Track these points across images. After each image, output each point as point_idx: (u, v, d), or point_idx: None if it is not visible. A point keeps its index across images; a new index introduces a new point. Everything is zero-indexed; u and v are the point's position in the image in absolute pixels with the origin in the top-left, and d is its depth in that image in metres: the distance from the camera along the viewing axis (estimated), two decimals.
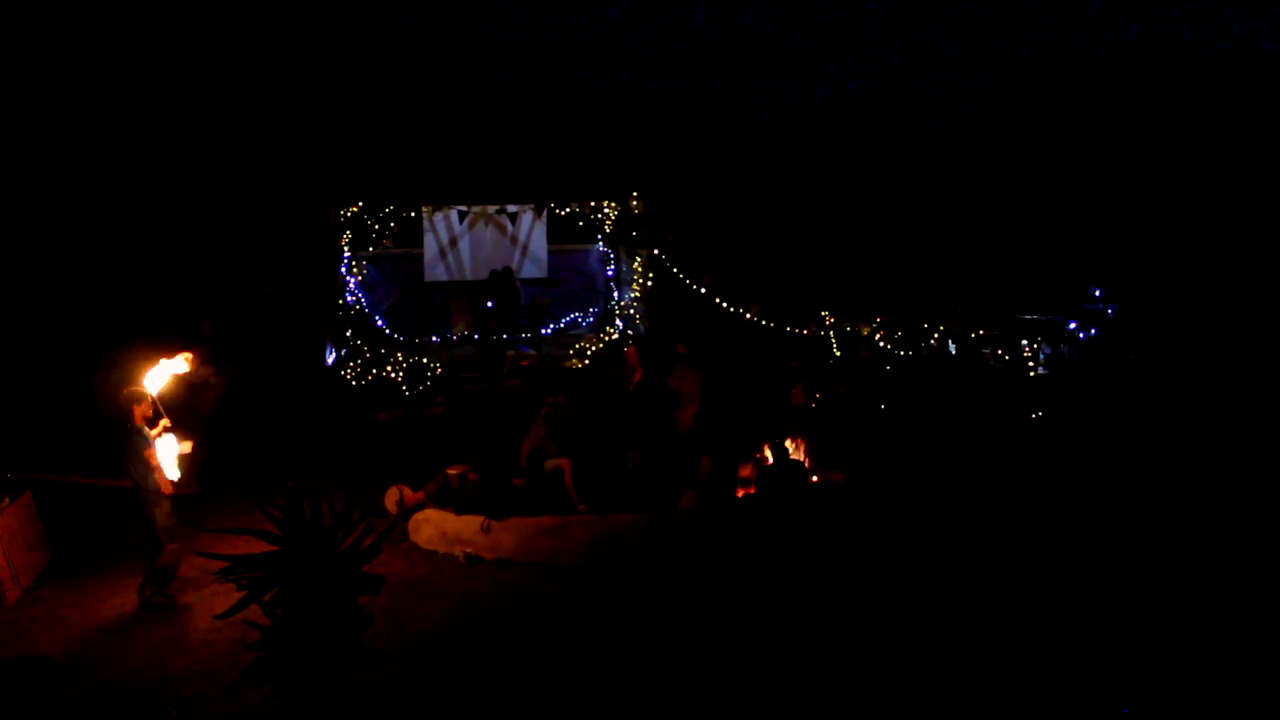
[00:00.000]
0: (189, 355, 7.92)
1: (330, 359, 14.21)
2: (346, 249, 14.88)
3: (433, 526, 8.96)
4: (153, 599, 7.50)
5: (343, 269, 14.74)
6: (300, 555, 6.37)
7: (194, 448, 7.72)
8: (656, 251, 15.65)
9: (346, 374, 14.06)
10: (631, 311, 16.18)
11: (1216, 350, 12.91)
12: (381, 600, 7.36)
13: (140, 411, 7.44)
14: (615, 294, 16.91)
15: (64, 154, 14.35)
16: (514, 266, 16.75)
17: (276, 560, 6.60)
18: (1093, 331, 13.17)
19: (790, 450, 9.93)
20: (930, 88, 20.67)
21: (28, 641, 6.96)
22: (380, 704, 5.97)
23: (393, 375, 14.09)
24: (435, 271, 16.81)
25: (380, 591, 7.38)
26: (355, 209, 14.86)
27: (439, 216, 16.54)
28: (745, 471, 9.67)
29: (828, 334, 14.78)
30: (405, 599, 7.61)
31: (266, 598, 6.11)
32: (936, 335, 13.58)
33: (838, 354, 14.42)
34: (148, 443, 7.41)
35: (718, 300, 15.20)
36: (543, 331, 16.30)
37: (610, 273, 17.16)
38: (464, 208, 16.36)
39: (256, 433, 12.31)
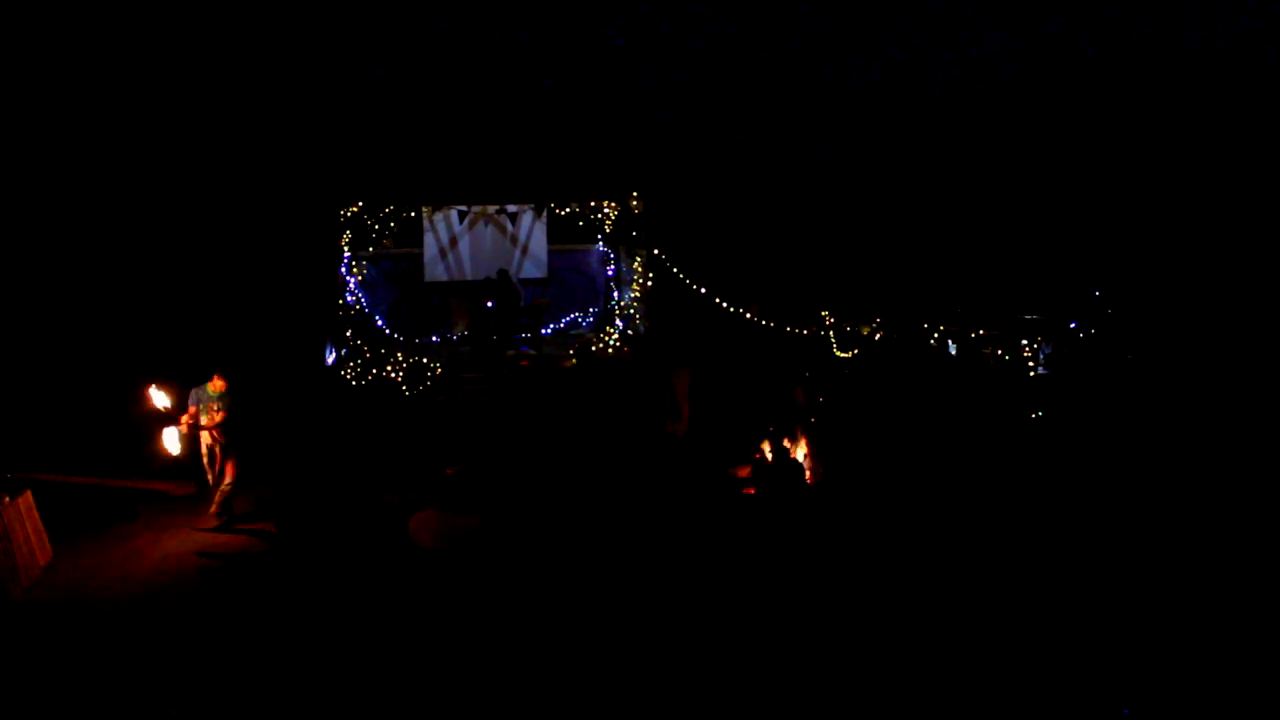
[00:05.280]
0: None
1: (330, 359, 14.21)
2: (346, 249, 14.87)
3: (433, 526, 8.95)
4: (220, 516, 9.41)
5: (343, 269, 14.73)
6: (300, 556, 6.38)
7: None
8: (656, 251, 15.65)
9: (346, 374, 14.06)
10: (631, 311, 16.18)
11: (1215, 350, 12.91)
12: (381, 601, 7.39)
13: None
14: (615, 294, 16.91)
15: (57, 152, 14.34)
16: (514, 266, 16.75)
17: (276, 561, 6.62)
18: (1093, 331, 13.17)
19: (789, 450, 9.94)
20: (930, 87, 20.66)
21: (29, 641, 6.95)
22: (380, 703, 5.97)
23: (393, 375, 14.10)
24: (435, 271, 16.81)
25: (380, 592, 7.41)
26: (355, 209, 14.84)
27: (439, 216, 16.53)
28: (744, 472, 9.68)
29: (828, 334, 14.78)
30: (405, 599, 7.61)
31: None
32: (936, 335, 13.59)
33: (839, 354, 14.42)
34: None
35: (718, 300, 15.20)
36: (543, 331, 16.28)
37: (610, 273, 17.16)
38: (464, 208, 16.36)
39: (257, 432, 12.32)
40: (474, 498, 9.00)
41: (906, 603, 7.24)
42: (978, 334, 13.16)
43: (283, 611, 7.00)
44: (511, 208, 16.68)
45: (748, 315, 15.00)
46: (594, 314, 17.62)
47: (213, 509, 9.57)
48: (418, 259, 16.81)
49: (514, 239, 17.01)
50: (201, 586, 7.66)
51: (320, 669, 6.31)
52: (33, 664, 6.57)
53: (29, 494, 8.63)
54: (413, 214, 16.09)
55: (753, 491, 9.36)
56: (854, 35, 19.78)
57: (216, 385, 9.71)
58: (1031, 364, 12.49)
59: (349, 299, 14.90)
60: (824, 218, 17.98)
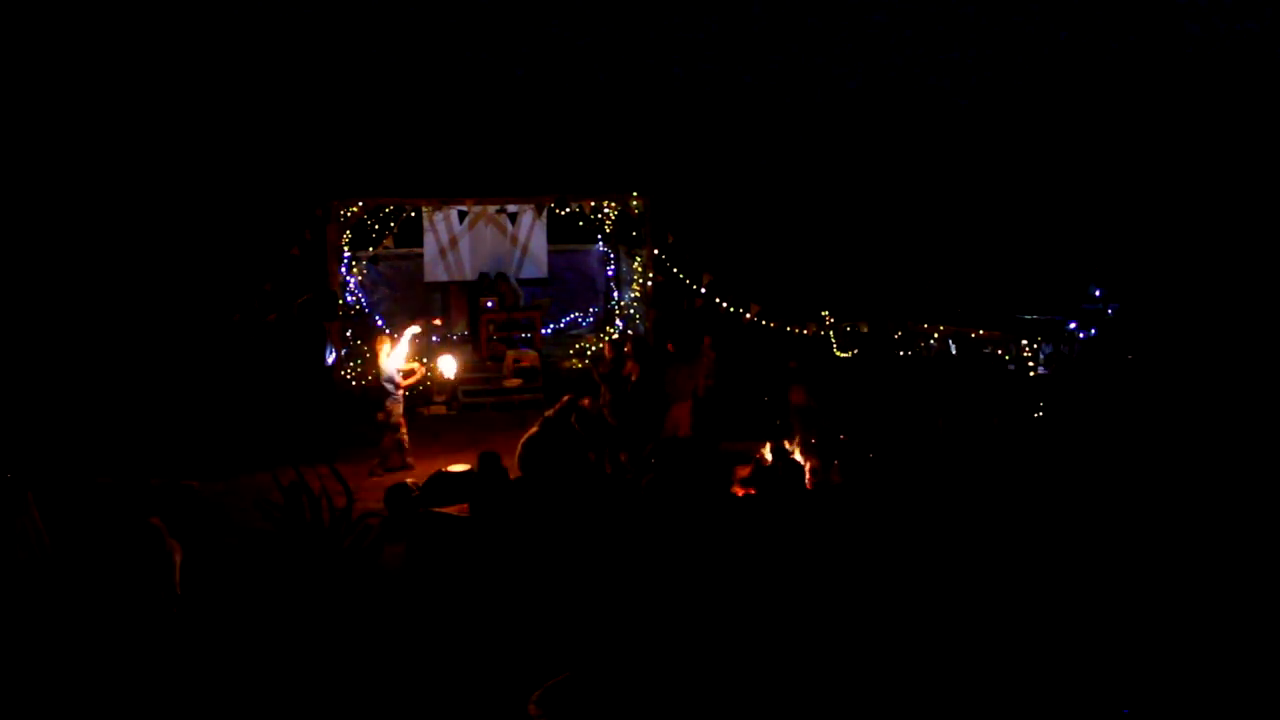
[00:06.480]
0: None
1: (330, 359, 14.21)
2: (346, 249, 14.87)
3: None
4: (378, 469, 10.78)
5: (343, 269, 14.73)
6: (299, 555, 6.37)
7: None
8: (657, 251, 15.66)
9: (346, 374, 14.06)
10: (631, 311, 16.17)
11: (1216, 350, 12.91)
12: (382, 600, 7.38)
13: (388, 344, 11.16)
14: (615, 294, 16.90)
15: (52, 149, 14.35)
16: (514, 266, 16.73)
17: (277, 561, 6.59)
18: (1093, 331, 13.17)
19: (790, 451, 9.93)
20: (931, 86, 20.66)
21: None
22: (380, 702, 5.97)
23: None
24: (435, 271, 16.80)
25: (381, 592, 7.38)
26: (356, 209, 14.85)
27: (439, 216, 16.53)
28: (745, 471, 9.66)
29: (828, 334, 14.78)
30: (403, 598, 7.61)
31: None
32: (936, 335, 13.59)
33: (839, 354, 14.42)
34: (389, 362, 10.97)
35: (718, 300, 15.19)
36: (543, 331, 16.28)
37: (610, 273, 17.15)
38: (464, 208, 16.36)
39: (256, 429, 12.33)
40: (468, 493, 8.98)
41: (907, 604, 7.23)
42: (977, 334, 13.16)
43: (283, 611, 6.99)
44: (511, 208, 16.67)
45: (748, 315, 14.99)
46: (594, 314, 17.62)
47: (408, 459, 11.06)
48: (418, 259, 16.81)
49: (514, 239, 17.00)
50: (201, 586, 7.66)
51: (321, 668, 6.32)
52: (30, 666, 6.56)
53: (29, 494, 8.63)
54: (413, 214, 16.10)
55: (752, 492, 9.34)
56: (856, 31, 19.79)
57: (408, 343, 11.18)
58: (1031, 364, 12.49)
59: (349, 299, 14.90)
60: (825, 218, 17.99)
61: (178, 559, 6.88)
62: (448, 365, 12.94)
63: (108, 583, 6.77)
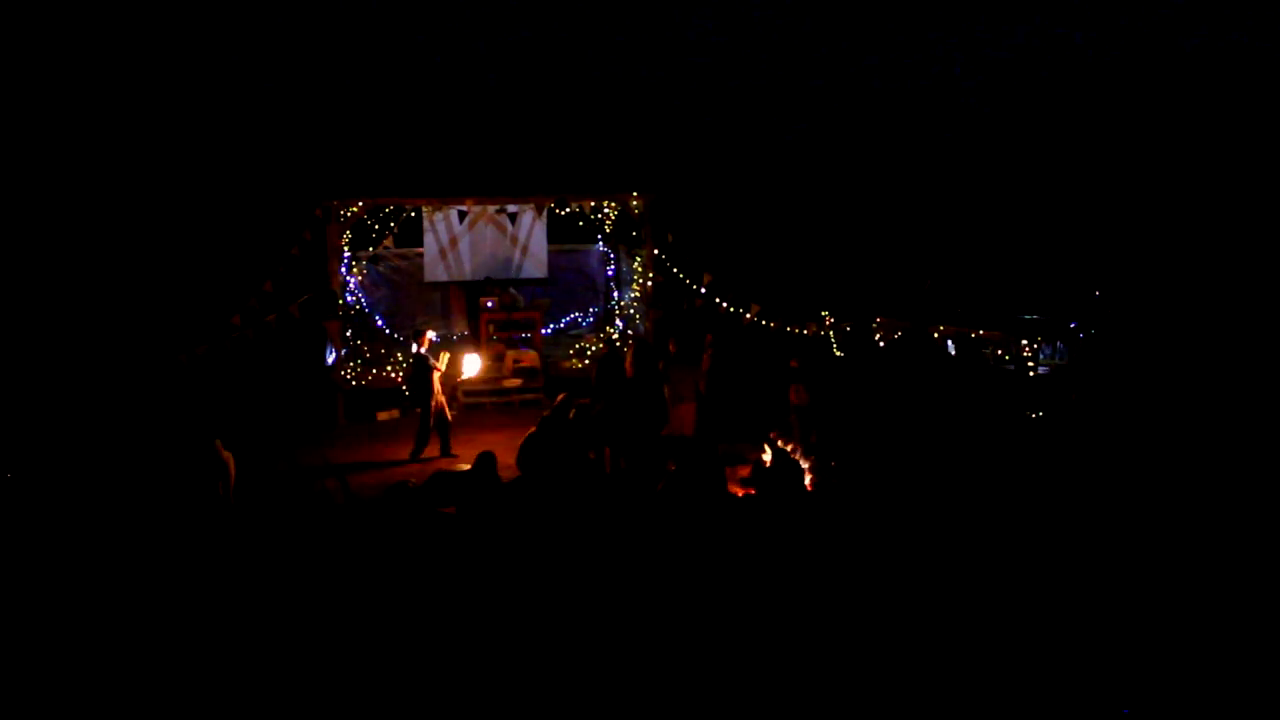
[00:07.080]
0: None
1: (330, 359, 14.21)
2: (346, 249, 14.86)
3: None
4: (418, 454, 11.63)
5: (343, 269, 14.73)
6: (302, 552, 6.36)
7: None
8: (657, 251, 15.65)
9: (346, 374, 14.06)
10: (632, 311, 16.16)
11: (1216, 350, 12.91)
12: (381, 598, 7.37)
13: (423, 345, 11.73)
14: (615, 294, 16.89)
15: (53, 151, 14.35)
16: (514, 266, 16.71)
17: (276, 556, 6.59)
18: (1092, 331, 13.16)
19: (789, 450, 9.93)
20: (932, 88, 20.67)
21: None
22: (379, 702, 5.96)
23: (393, 375, 14.10)
24: (435, 271, 16.78)
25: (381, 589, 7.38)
26: (356, 209, 14.82)
27: (439, 216, 16.51)
28: (745, 472, 9.67)
29: (828, 334, 14.76)
30: (403, 596, 7.59)
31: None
32: (936, 335, 13.57)
33: (839, 354, 14.41)
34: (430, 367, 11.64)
35: (718, 300, 15.19)
36: (543, 331, 16.26)
37: (610, 273, 17.14)
38: (464, 208, 16.35)
39: (254, 429, 12.32)
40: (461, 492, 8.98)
41: (907, 604, 7.22)
42: (977, 334, 13.15)
43: (284, 605, 7.00)
44: (512, 208, 16.65)
45: (748, 315, 14.98)
46: (594, 314, 17.61)
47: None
48: (418, 259, 16.80)
49: (514, 239, 16.98)
50: (200, 587, 7.66)
51: (321, 667, 6.31)
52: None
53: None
54: (413, 214, 16.08)
55: (752, 492, 9.34)
56: (857, 33, 19.80)
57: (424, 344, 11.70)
58: (1031, 364, 12.48)
59: (349, 299, 14.89)
60: (825, 218, 17.98)
61: (232, 469, 8.95)
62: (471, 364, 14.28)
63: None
